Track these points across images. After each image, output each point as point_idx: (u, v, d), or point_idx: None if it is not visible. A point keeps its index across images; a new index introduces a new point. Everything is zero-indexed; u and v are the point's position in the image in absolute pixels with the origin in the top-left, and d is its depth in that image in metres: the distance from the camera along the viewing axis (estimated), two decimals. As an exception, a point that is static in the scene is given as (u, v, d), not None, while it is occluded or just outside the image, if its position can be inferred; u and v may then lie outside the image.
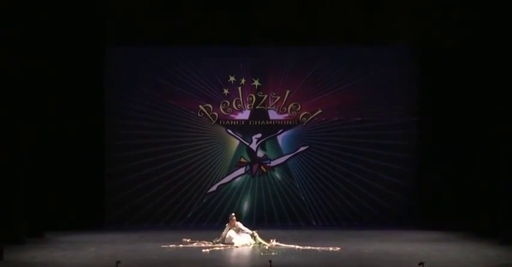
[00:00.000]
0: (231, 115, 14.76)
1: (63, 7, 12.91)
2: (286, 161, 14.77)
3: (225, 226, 11.82)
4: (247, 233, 11.71)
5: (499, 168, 12.12)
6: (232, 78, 14.65)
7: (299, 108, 14.73)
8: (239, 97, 14.73)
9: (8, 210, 11.23)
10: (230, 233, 11.68)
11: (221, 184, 14.69)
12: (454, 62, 13.46)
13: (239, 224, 11.81)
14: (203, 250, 11.05)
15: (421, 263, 8.81)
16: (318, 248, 11.05)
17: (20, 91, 11.93)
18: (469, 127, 13.24)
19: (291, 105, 14.72)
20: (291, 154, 14.75)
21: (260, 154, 14.78)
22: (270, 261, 8.95)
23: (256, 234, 11.61)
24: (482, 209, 12.77)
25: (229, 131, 14.76)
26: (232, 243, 11.55)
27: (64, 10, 12.97)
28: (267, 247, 11.26)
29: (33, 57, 12.41)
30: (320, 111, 14.67)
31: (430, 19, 13.26)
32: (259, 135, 14.77)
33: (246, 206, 14.66)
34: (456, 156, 13.55)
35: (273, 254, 10.47)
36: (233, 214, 11.92)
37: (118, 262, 8.88)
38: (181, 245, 11.42)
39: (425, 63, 14.23)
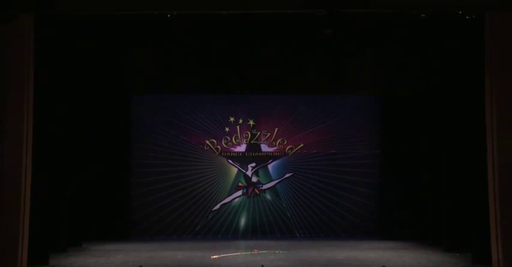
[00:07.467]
0: (231, 148, 14.73)
1: (102, 65, 12.89)
2: (275, 185, 14.69)
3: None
4: None
5: (440, 190, 12.17)
6: (232, 119, 14.65)
7: (285, 143, 14.72)
8: (237, 134, 14.73)
9: (53, 224, 11.11)
10: None
11: (223, 204, 14.57)
12: (407, 107, 13.54)
13: None
14: (212, 256, 10.82)
15: (382, 267, 8.82)
16: None
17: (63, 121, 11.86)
18: (418, 159, 13.34)
19: (279, 140, 14.71)
20: (279, 180, 14.68)
21: (254, 179, 14.71)
22: (262, 266, 8.89)
23: None
24: (430, 223, 12.76)
25: (230, 161, 14.72)
26: None
27: (103, 67, 12.95)
28: None
29: (75, 101, 12.48)
30: (302, 145, 14.65)
31: (388, 72, 13.21)
32: (253, 164, 14.72)
33: (243, 221, 14.55)
34: (409, 182, 13.55)
35: None
36: None
37: (140, 266, 8.86)
38: None
39: (384, 107, 14.28)
